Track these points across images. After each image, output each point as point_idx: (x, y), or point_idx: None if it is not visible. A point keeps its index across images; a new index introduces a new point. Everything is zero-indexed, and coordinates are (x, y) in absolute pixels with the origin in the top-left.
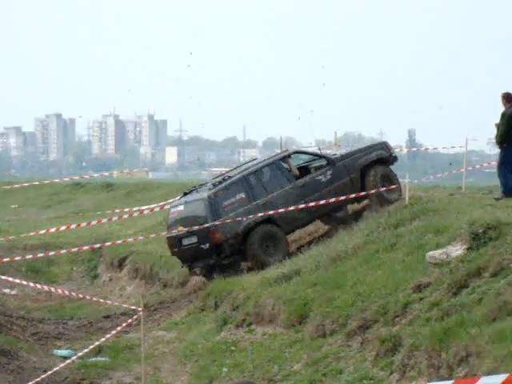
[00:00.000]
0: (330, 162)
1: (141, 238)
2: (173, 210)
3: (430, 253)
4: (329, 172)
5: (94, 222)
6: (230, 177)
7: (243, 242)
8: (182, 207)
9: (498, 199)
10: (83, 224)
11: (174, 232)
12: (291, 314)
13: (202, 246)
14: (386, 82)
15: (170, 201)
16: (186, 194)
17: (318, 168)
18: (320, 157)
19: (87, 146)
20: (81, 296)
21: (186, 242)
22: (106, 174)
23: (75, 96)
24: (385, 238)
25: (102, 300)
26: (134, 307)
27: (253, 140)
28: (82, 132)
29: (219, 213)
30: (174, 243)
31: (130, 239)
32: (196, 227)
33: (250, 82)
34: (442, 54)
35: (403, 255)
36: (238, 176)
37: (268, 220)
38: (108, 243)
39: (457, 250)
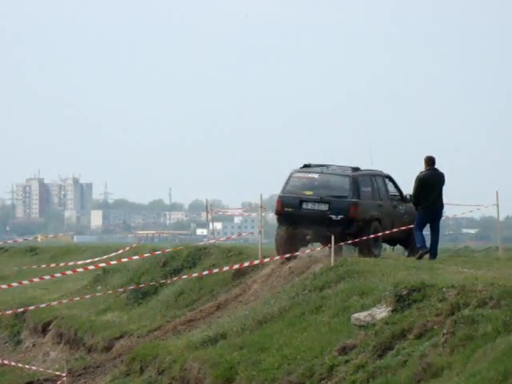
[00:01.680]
0: (405, 198)
1: (65, 301)
2: (299, 174)
3: (355, 315)
4: (403, 206)
5: (14, 284)
6: (358, 168)
7: (363, 228)
8: (316, 175)
9: (419, 258)
10: (4, 286)
11: (299, 194)
12: (217, 377)
13: (332, 216)
14: None
15: (96, 259)
16: (306, 166)
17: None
18: (399, 192)
19: (11, 210)
20: (4, 362)
21: (309, 206)
22: (31, 238)
23: None
24: (310, 300)
25: (25, 366)
26: (57, 373)
27: (179, 202)
28: (5, 196)
29: (359, 194)
30: (292, 203)
31: (55, 303)
32: (330, 198)
33: (176, 144)
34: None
35: (329, 317)
36: (367, 172)
37: (378, 220)
38: (32, 307)
39: (381, 312)
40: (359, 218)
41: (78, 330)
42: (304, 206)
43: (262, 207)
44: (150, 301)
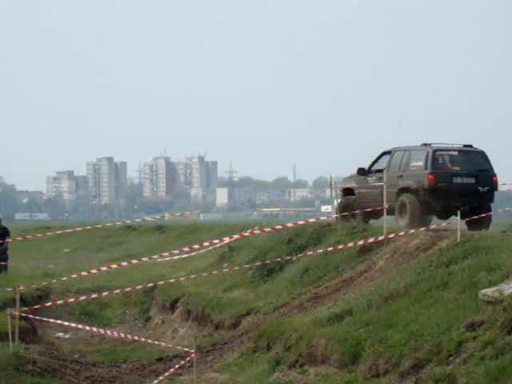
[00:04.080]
0: None
1: (193, 276)
2: (441, 152)
3: (483, 291)
4: None
5: (144, 259)
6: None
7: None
8: (456, 152)
9: None
10: (134, 261)
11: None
12: (344, 354)
13: (479, 188)
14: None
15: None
16: (425, 144)
17: None
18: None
19: (139, 189)
20: (134, 339)
21: (458, 180)
22: (158, 216)
23: (126, 139)
24: (437, 276)
25: (155, 342)
26: (186, 349)
27: (303, 180)
28: (133, 175)
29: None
30: (444, 178)
31: (183, 279)
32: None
33: (300, 120)
34: None
35: (456, 293)
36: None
37: None
38: (161, 282)
39: (510, 288)
40: (496, 190)
41: (205, 307)
42: (454, 180)
43: (386, 183)
44: (276, 278)
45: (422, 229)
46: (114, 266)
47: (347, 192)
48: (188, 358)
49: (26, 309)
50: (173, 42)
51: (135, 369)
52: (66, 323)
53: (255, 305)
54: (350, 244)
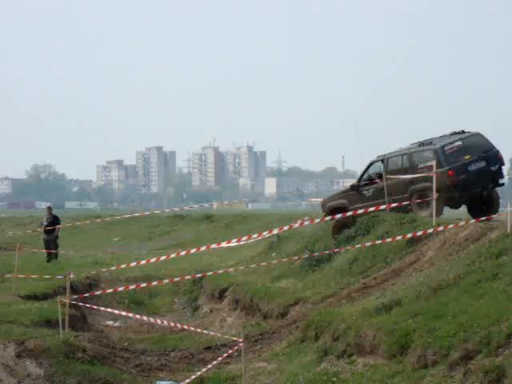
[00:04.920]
0: None
1: (242, 267)
2: (449, 146)
3: None
4: None
5: (192, 251)
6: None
7: None
8: (460, 142)
9: None
10: (182, 253)
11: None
12: (392, 344)
13: (492, 168)
14: None
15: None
16: (422, 143)
17: None
18: None
19: (187, 178)
20: (183, 327)
21: (473, 167)
22: (206, 205)
23: (175, 128)
24: (486, 268)
25: (203, 331)
26: (234, 338)
27: (352, 170)
28: (182, 164)
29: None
30: (461, 170)
31: (231, 269)
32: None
33: (347, 112)
34: None
35: (505, 285)
36: None
37: None
38: (210, 273)
39: None
40: (504, 165)
41: (253, 296)
42: (470, 168)
43: (435, 173)
44: (324, 268)
45: (472, 220)
46: (162, 257)
47: (335, 211)
48: (236, 347)
49: (76, 297)
50: (226, 31)
51: (184, 357)
52: (116, 311)
53: (303, 295)
54: (399, 237)
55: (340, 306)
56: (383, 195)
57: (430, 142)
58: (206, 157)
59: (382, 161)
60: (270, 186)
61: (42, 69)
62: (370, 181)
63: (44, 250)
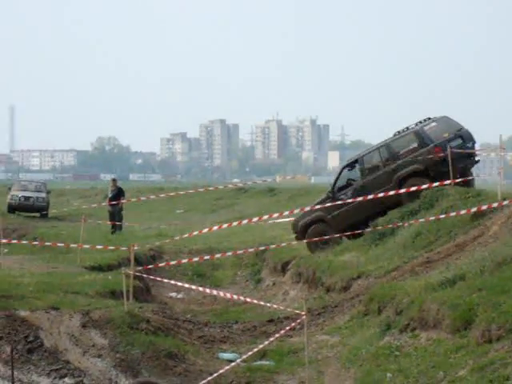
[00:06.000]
0: None
1: (305, 241)
2: (426, 127)
3: None
4: None
5: (254, 219)
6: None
7: None
8: (434, 123)
9: None
10: (244, 221)
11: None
12: (456, 319)
13: (468, 145)
14: None
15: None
16: (398, 132)
17: None
18: None
19: (250, 151)
20: (246, 300)
21: (453, 144)
22: (269, 179)
23: (239, 101)
24: None
25: (266, 304)
26: (297, 311)
27: None
28: (245, 137)
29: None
30: (445, 146)
31: (294, 242)
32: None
33: (415, 83)
34: None
35: None
36: None
37: None
38: (273, 246)
39: None
40: (475, 143)
41: (316, 269)
42: (451, 144)
43: (501, 147)
44: (387, 242)
45: None
46: (224, 226)
47: (308, 227)
48: (298, 320)
49: (140, 268)
50: (293, 3)
51: (246, 330)
52: (179, 283)
53: (366, 268)
54: (463, 211)
55: (403, 280)
56: (365, 193)
57: (406, 129)
58: (270, 130)
59: (356, 161)
60: (333, 160)
61: (110, 42)
62: (346, 185)
63: (108, 222)
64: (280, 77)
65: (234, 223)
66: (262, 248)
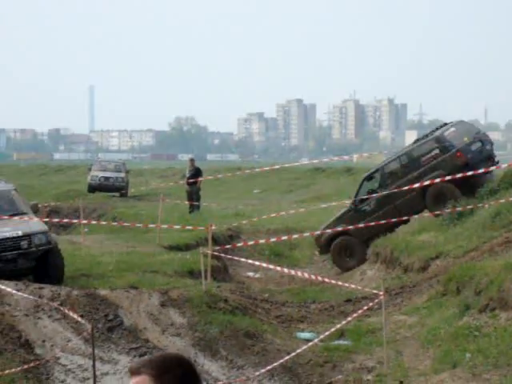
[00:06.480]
0: None
1: (382, 221)
2: (447, 131)
3: None
4: None
5: (333, 204)
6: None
7: None
8: (453, 128)
9: None
10: (323, 205)
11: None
12: None
13: (487, 147)
14: None
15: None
16: (417, 139)
17: None
18: None
19: (327, 131)
20: (323, 280)
21: (474, 147)
22: (346, 157)
23: (316, 81)
24: None
25: (344, 284)
26: (375, 291)
27: (494, 122)
28: (322, 117)
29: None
30: (468, 151)
31: (372, 223)
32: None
33: (494, 58)
34: None
35: None
36: None
37: None
38: (351, 227)
39: None
40: (493, 144)
41: (394, 249)
42: (472, 148)
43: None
44: (466, 222)
45: None
46: (301, 209)
47: (332, 240)
48: (376, 300)
49: (218, 248)
50: None
51: (324, 309)
52: (257, 263)
53: (445, 248)
54: None
55: (482, 260)
56: (388, 202)
57: (426, 136)
58: (347, 109)
59: (377, 171)
60: (411, 139)
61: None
62: (368, 197)
63: (186, 202)
64: (356, 56)
65: (313, 207)
66: (339, 229)
